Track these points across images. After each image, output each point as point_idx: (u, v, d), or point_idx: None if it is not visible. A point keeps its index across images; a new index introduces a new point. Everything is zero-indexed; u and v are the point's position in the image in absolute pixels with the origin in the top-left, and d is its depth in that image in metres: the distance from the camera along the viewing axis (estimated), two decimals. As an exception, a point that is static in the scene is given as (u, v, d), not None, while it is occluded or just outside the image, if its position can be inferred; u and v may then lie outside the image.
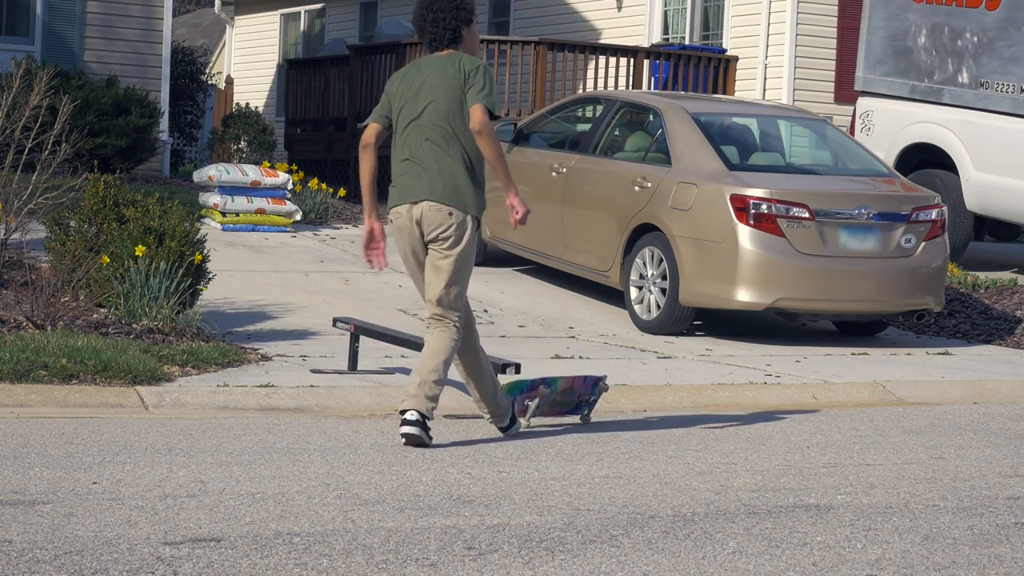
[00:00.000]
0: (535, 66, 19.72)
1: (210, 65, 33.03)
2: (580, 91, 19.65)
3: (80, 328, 10.19)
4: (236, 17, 30.30)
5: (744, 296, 12.27)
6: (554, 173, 13.90)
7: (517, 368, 9.00)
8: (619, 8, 22.83)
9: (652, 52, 20.79)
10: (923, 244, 12.72)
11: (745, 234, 12.21)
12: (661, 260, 12.69)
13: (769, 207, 12.23)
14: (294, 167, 17.55)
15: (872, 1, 17.23)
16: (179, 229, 10.84)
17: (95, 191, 11.30)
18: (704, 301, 12.50)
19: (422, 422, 7.71)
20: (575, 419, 8.95)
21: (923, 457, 8.10)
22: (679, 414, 9.57)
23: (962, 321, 14.00)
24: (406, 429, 7.71)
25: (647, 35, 22.31)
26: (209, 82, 28.40)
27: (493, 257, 14.73)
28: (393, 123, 8.12)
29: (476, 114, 7.80)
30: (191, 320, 10.58)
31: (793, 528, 6.11)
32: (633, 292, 12.98)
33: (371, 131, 8.14)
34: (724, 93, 20.57)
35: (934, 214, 12.84)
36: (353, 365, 9.97)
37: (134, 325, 10.40)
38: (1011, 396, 10.98)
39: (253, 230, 15.67)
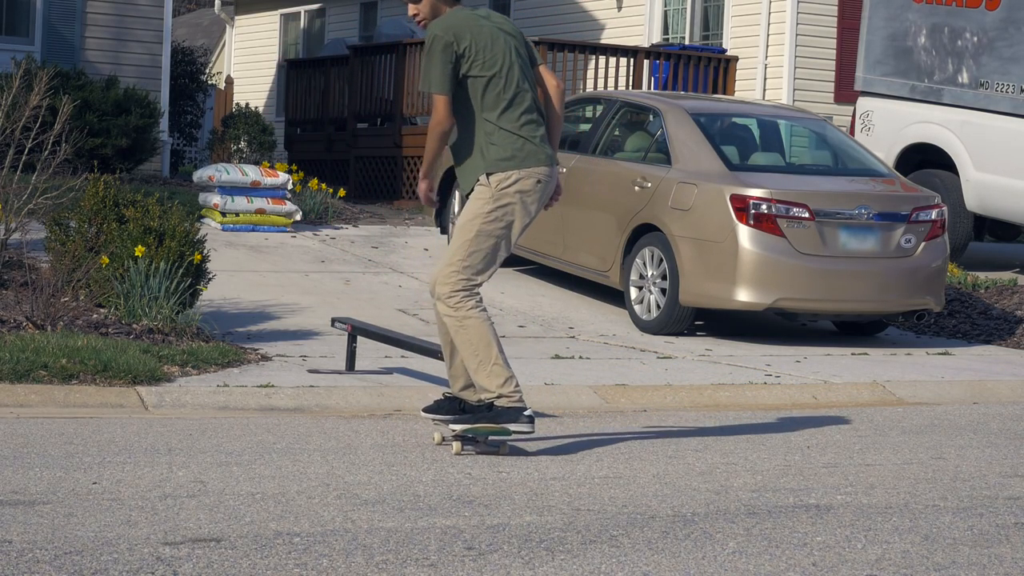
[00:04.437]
0: (535, 66, 19.70)
1: (210, 65, 33.05)
2: (580, 91, 19.65)
3: (80, 328, 10.19)
4: (236, 17, 30.30)
5: (744, 296, 12.27)
6: (554, 173, 13.89)
7: None
8: (619, 8, 22.83)
9: (652, 52, 20.79)
10: (923, 244, 12.72)
11: (745, 234, 12.21)
12: (661, 260, 12.69)
13: (769, 207, 12.23)
14: (294, 167, 17.56)
15: (872, 1, 17.23)
16: (179, 229, 10.84)
17: (95, 191, 11.30)
18: (704, 301, 12.51)
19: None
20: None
21: (923, 457, 8.10)
22: (679, 414, 9.57)
23: (962, 321, 14.00)
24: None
25: (647, 35, 22.31)
26: (209, 82, 28.40)
27: (493, 257, 14.72)
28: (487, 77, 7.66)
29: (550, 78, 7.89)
30: (191, 320, 10.59)
31: (793, 528, 6.11)
32: (633, 292, 12.98)
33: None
34: (724, 93, 20.58)
35: (934, 214, 12.84)
36: (351, 365, 9.96)
37: (134, 325, 10.40)
38: (1011, 396, 10.98)
39: (253, 230, 15.67)
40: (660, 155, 13.17)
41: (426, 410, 7.95)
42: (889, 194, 12.96)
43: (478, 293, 7.67)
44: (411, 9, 7.68)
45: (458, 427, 7.60)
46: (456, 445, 7.61)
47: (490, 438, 7.62)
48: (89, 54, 18.95)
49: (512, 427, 7.51)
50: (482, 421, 7.55)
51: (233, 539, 5.52)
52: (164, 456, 7.21)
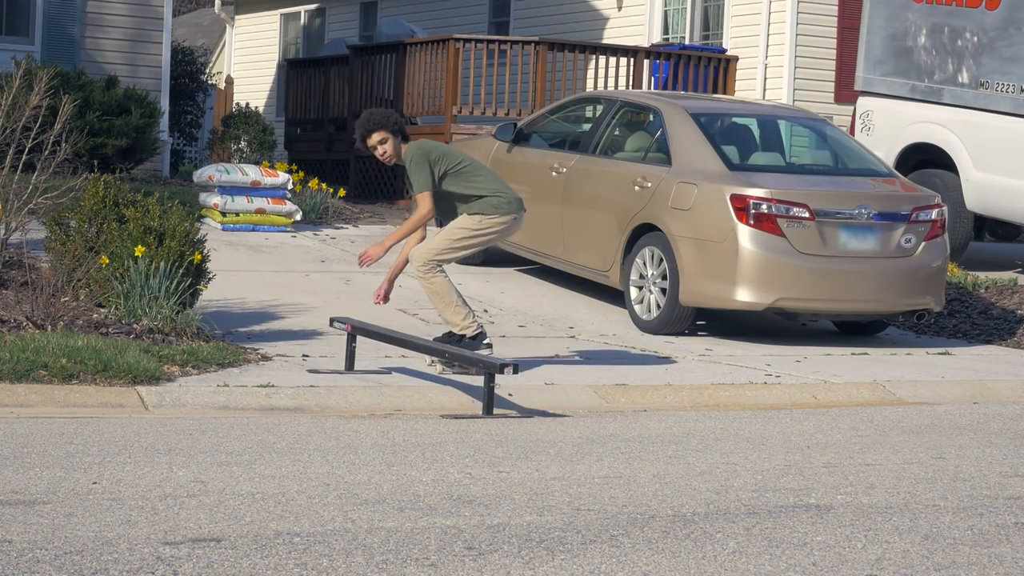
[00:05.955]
0: (535, 66, 19.72)
1: (210, 65, 33.04)
2: (580, 91, 19.65)
3: (80, 328, 10.19)
4: (236, 17, 30.30)
5: (744, 296, 12.27)
6: (554, 173, 13.90)
7: (515, 368, 8.98)
8: (619, 8, 22.84)
9: (652, 52, 20.79)
10: (923, 244, 12.72)
11: (745, 234, 12.21)
12: (661, 260, 12.69)
13: (769, 207, 12.23)
14: (294, 167, 17.56)
15: (872, 1, 17.23)
16: (179, 229, 10.84)
17: (95, 191, 11.30)
18: (704, 301, 12.50)
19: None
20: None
21: (923, 457, 8.10)
22: (679, 414, 9.57)
23: (962, 321, 14.00)
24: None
25: (647, 35, 22.31)
26: (209, 82, 28.41)
27: (493, 257, 14.73)
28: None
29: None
30: (191, 320, 10.58)
31: (793, 528, 6.11)
32: (633, 292, 12.98)
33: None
34: (724, 93, 20.57)
35: (934, 214, 12.84)
36: (350, 365, 9.97)
37: (134, 325, 10.40)
38: (1011, 396, 10.98)
39: (253, 230, 15.67)
40: (660, 155, 13.17)
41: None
42: (889, 194, 12.96)
43: None
44: None
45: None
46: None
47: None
48: (89, 54, 18.95)
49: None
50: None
51: (233, 539, 5.52)
52: (164, 456, 7.21)
